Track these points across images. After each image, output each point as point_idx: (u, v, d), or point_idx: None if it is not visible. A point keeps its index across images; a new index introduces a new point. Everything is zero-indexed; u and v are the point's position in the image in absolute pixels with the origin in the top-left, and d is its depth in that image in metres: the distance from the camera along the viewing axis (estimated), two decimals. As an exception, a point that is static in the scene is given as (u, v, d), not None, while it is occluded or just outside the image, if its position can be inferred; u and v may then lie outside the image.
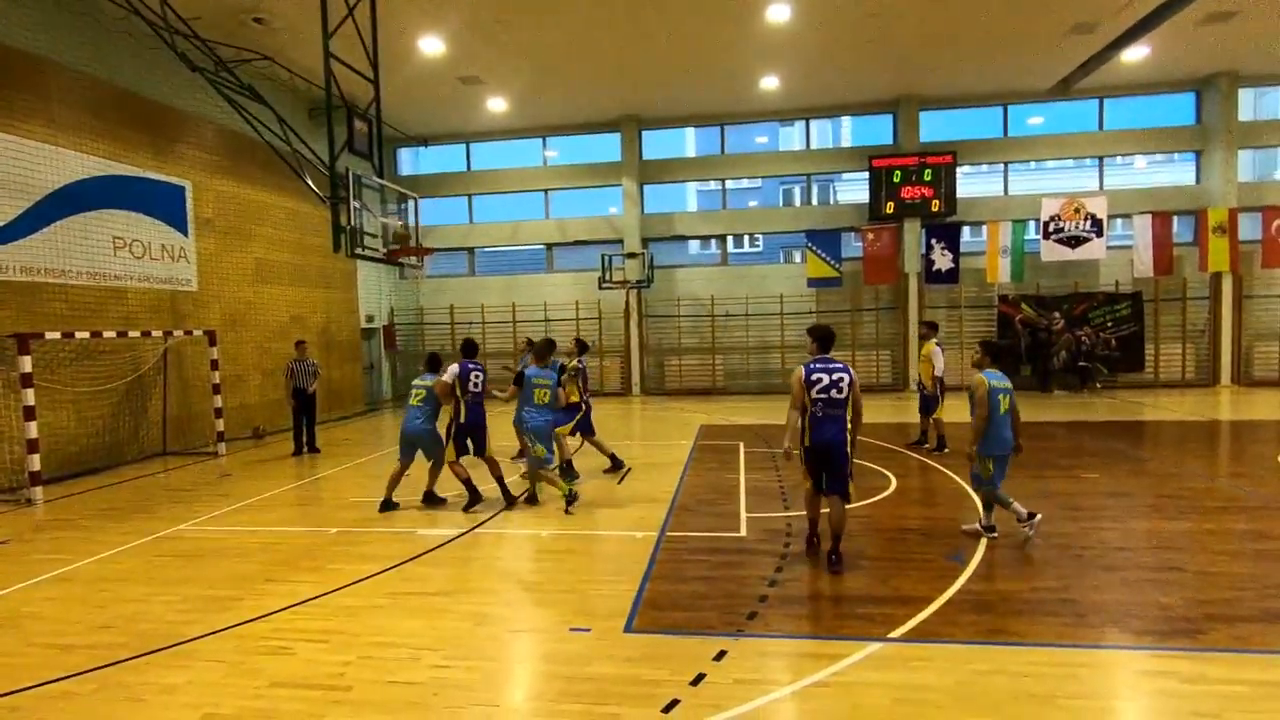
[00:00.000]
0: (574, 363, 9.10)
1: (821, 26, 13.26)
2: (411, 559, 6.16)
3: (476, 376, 7.88)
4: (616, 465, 9.41)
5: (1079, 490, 7.89)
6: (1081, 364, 17.39)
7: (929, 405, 10.13)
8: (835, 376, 5.56)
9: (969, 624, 4.55)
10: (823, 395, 5.55)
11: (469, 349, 8.22)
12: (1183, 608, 4.72)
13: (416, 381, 8.07)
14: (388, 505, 7.85)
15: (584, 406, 9.12)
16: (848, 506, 5.75)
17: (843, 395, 5.57)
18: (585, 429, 9.27)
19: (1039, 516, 6.12)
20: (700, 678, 3.92)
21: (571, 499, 7.58)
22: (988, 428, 6.08)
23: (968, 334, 17.99)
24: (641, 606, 4.97)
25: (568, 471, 8.81)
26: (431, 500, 8.00)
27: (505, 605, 5.16)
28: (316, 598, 5.31)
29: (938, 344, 10.14)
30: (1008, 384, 6.17)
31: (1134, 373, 17.50)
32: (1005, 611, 4.73)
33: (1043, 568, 5.54)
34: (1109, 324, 17.39)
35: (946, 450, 9.93)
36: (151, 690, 4.02)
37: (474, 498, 7.82)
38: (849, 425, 5.62)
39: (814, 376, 5.59)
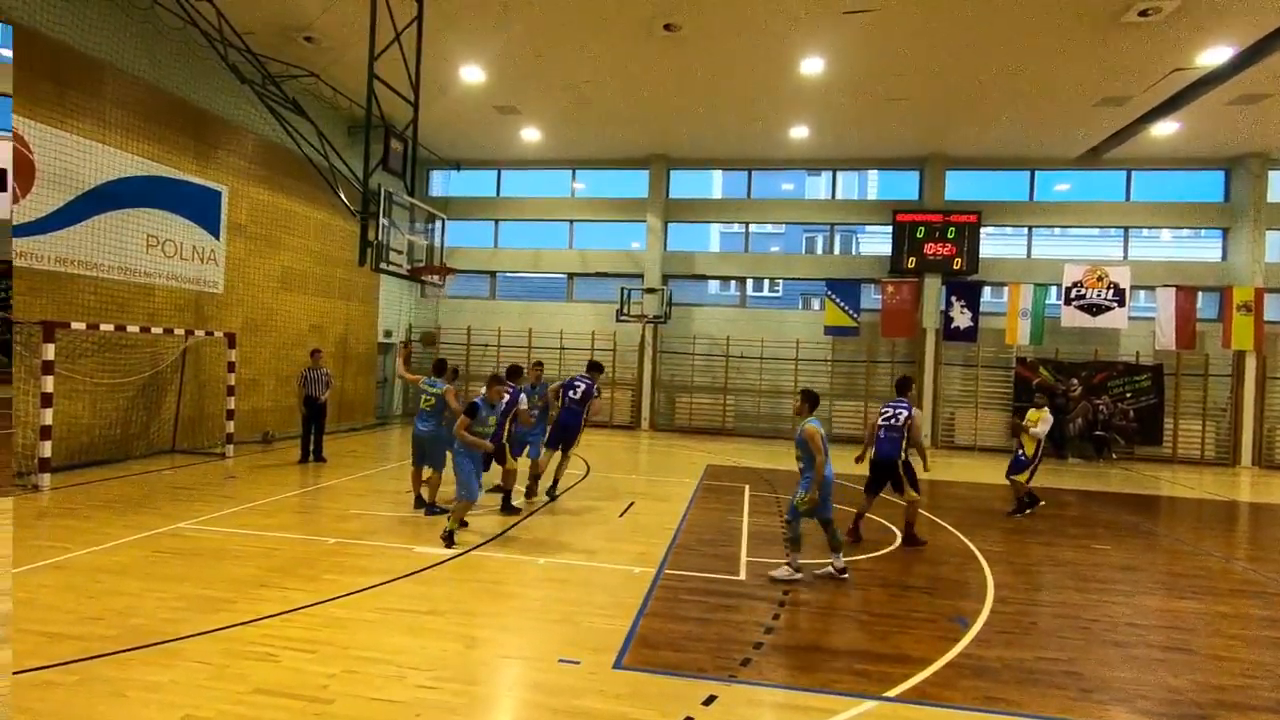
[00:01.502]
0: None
1: (853, 82, 13.51)
2: (407, 575, 6.12)
3: (576, 387, 9.36)
4: (531, 493, 9.46)
5: (1089, 561, 7.70)
6: (1098, 433, 17.13)
7: (1023, 468, 9.79)
8: (897, 409, 7.95)
9: (968, 689, 4.42)
10: (885, 422, 7.94)
11: (594, 367, 9.79)
12: (1192, 691, 4.56)
13: (426, 387, 8.49)
14: (420, 505, 8.50)
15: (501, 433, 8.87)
16: (915, 496, 7.87)
17: (900, 423, 7.83)
18: (515, 452, 9.11)
19: (847, 575, 6.56)
20: (688, 721, 3.83)
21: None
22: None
23: (984, 393, 17.86)
24: (633, 643, 4.89)
25: (551, 490, 9.58)
26: (429, 509, 8.33)
27: (496, 630, 5.09)
28: (308, 606, 5.28)
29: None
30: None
31: (1151, 446, 17.18)
32: (1007, 680, 4.59)
33: (1047, 637, 5.39)
34: (1128, 394, 17.15)
35: (1037, 507, 9.97)
36: (134, 687, 3.99)
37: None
38: (904, 446, 7.83)
39: (884, 409, 8.07)
